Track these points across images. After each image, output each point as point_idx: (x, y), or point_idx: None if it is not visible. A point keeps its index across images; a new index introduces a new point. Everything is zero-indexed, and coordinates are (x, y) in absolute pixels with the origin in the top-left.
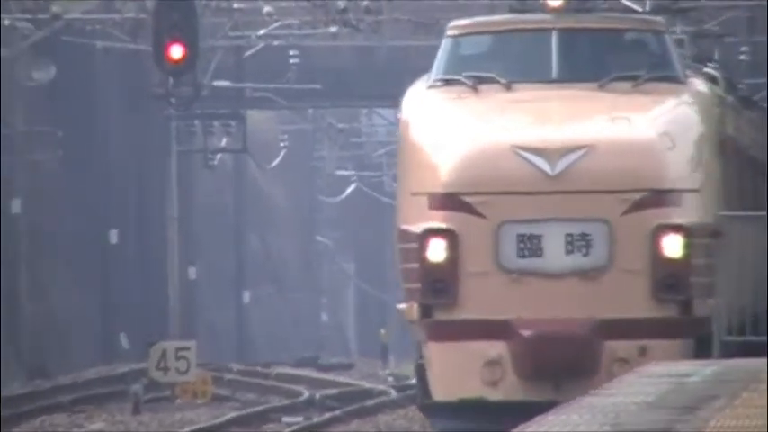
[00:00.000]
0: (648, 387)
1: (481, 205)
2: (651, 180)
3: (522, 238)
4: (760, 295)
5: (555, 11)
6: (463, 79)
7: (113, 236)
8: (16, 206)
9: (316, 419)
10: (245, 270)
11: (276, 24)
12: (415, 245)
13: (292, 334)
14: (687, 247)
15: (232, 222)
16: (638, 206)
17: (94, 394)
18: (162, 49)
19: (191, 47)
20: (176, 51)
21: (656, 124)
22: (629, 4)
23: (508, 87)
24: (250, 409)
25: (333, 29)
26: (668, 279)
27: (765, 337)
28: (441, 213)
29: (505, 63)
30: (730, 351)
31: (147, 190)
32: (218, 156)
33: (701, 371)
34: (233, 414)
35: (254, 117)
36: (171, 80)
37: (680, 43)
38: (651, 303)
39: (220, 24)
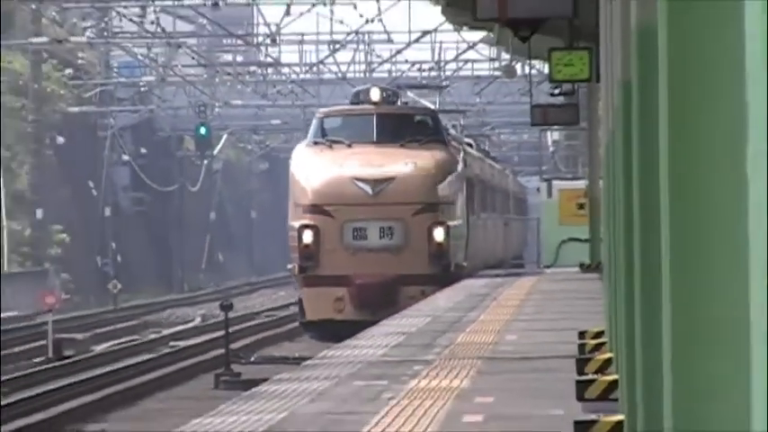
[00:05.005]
0: (462, 292)
1: (333, 211)
2: (427, 197)
3: (355, 230)
4: (508, 248)
5: (375, 103)
6: (324, 141)
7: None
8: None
9: None
10: None
11: None
12: (295, 233)
13: None
14: (446, 234)
15: None
16: (420, 212)
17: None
18: None
19: None
20: None
21: (430, 165)
22: (425, 103)
23: (349, 146)
24: None
25: None
26: (437, 252)
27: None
28: (310, 215)
29: (348, 131)
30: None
31: None
32: None
33: (489, 280)
34: None
35: None
36: None
37: (455, 127)
38: (427, 266)
39: None
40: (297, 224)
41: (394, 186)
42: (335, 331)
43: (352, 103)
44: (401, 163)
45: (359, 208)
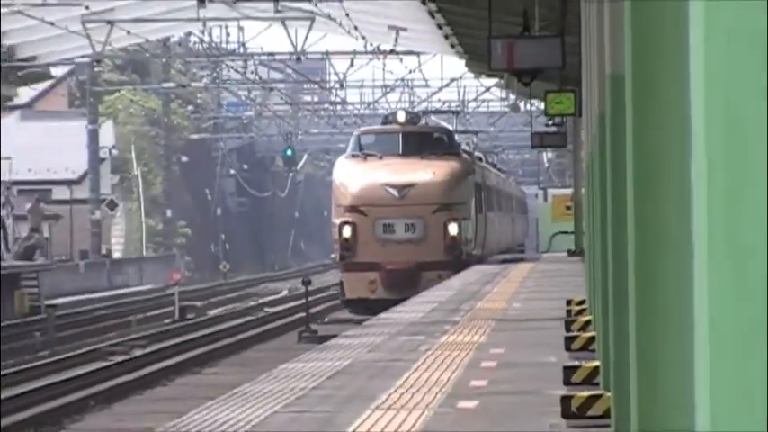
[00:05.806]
0: (478, 272)
1: (367, 210)
2: (443, 198)
3: (385, 225)
4: (513, 239)
5: (401, 124)
6: (360, 154)
7: None
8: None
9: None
10: None
11: None
12: (337, 229)
13: None
14: (458, 228)
15: None
16: (438, 210)
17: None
18: None
19: None
20: None
21: (445, 173)
22: (444, 124)
23: (380, 158)
24: None
25: None
26: (450, 243)
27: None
28: (348, 214)
29: (379, 146)
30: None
31: None
32: None
33: (498, 266)
34: None
35: None
36: None
37: (468, 144)
38: (443, 255)
39: None
40: (338, 221)
41: (416, 190)
42: (369, 307)
43: (383, 124)
44: (422, 172)
45: (388, 208)
